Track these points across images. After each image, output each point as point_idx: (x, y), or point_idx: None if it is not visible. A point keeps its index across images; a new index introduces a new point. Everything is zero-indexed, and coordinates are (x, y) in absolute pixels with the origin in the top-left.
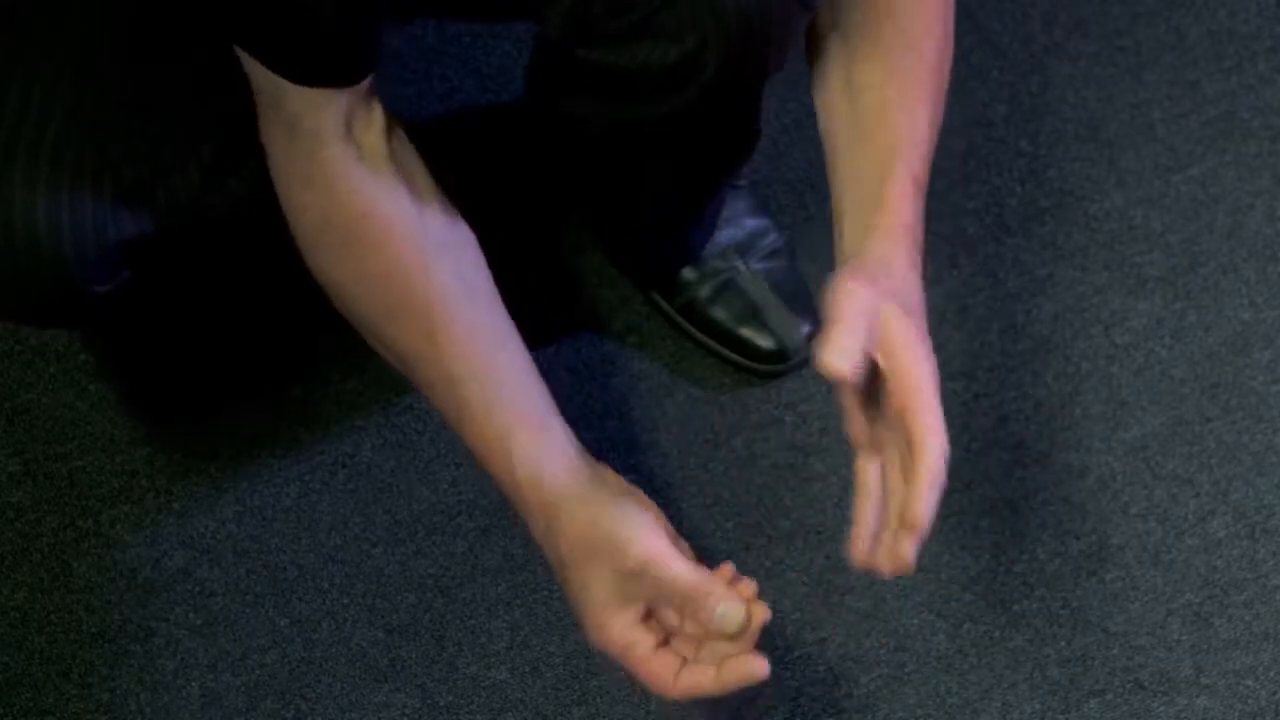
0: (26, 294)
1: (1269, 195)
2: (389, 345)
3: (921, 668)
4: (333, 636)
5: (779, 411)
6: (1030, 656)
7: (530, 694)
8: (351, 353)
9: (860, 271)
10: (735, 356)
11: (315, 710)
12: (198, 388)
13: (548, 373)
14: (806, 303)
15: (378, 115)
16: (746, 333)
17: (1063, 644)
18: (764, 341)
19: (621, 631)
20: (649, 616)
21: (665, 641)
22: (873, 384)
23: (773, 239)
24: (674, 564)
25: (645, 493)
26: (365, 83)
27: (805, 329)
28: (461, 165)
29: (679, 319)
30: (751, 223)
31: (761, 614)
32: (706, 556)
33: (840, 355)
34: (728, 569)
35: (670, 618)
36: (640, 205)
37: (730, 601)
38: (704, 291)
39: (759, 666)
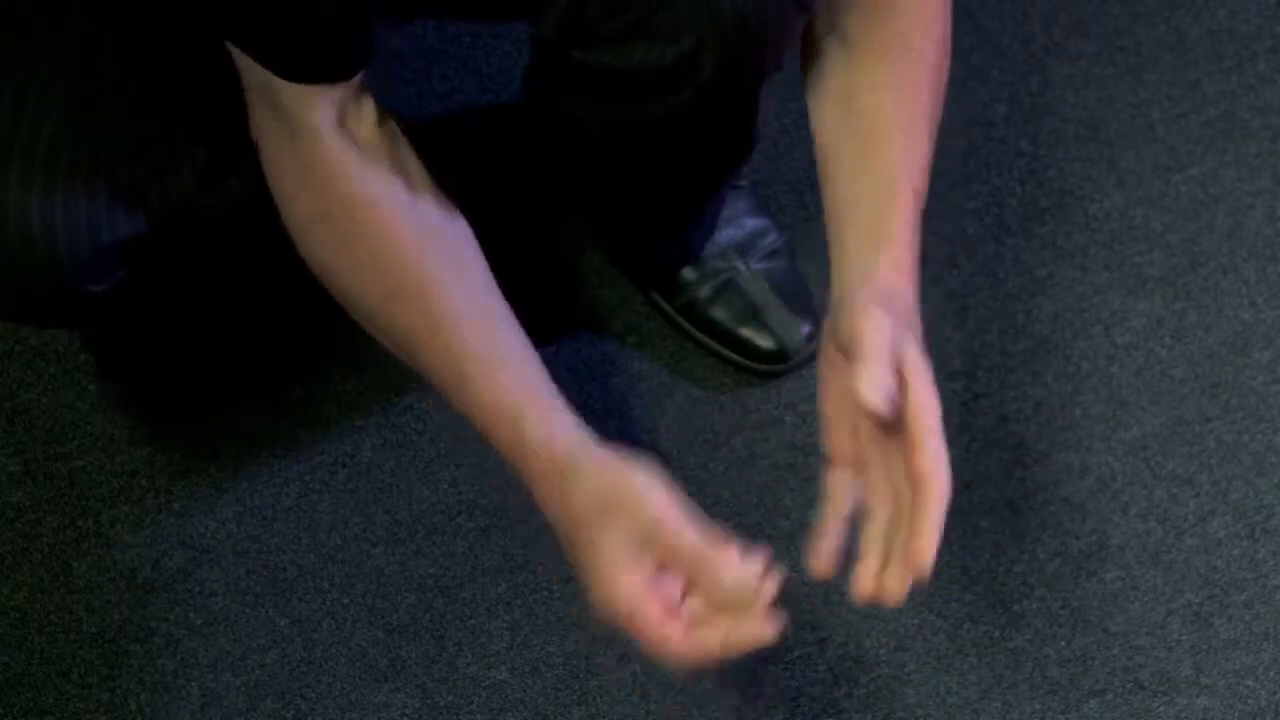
0: (21, 293)
1: (1269, 195)
2: (387, 328)
3: (921, 668)
4: (333, 636)
5: (779, 411)
6: (1030, 656)
7: (530, 694)
8: (351, 353)
9: (876, 299)
10: (735, 356)
11: (315, 710)
12: (198, 388)
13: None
14: (806, 303)
15: (369, 107)
16: (746, 333)
17: (1063, 644)
18: (764, 341)
19: (629, 592)
20: (656, 583)
21: (671, 610)
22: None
23: (773, 239)
24: (686, 525)
25: None
26: (357, 76)
27: (805, 329)
28: (461, 165)
29: (679, 319)
30: (751, 223)
31: (772, 584)
32: None
33: (879, 389)
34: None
35: (676, 587)
36: (640, 205)
37: (741, 567)
38: (704, 291)
39: (769, 629)
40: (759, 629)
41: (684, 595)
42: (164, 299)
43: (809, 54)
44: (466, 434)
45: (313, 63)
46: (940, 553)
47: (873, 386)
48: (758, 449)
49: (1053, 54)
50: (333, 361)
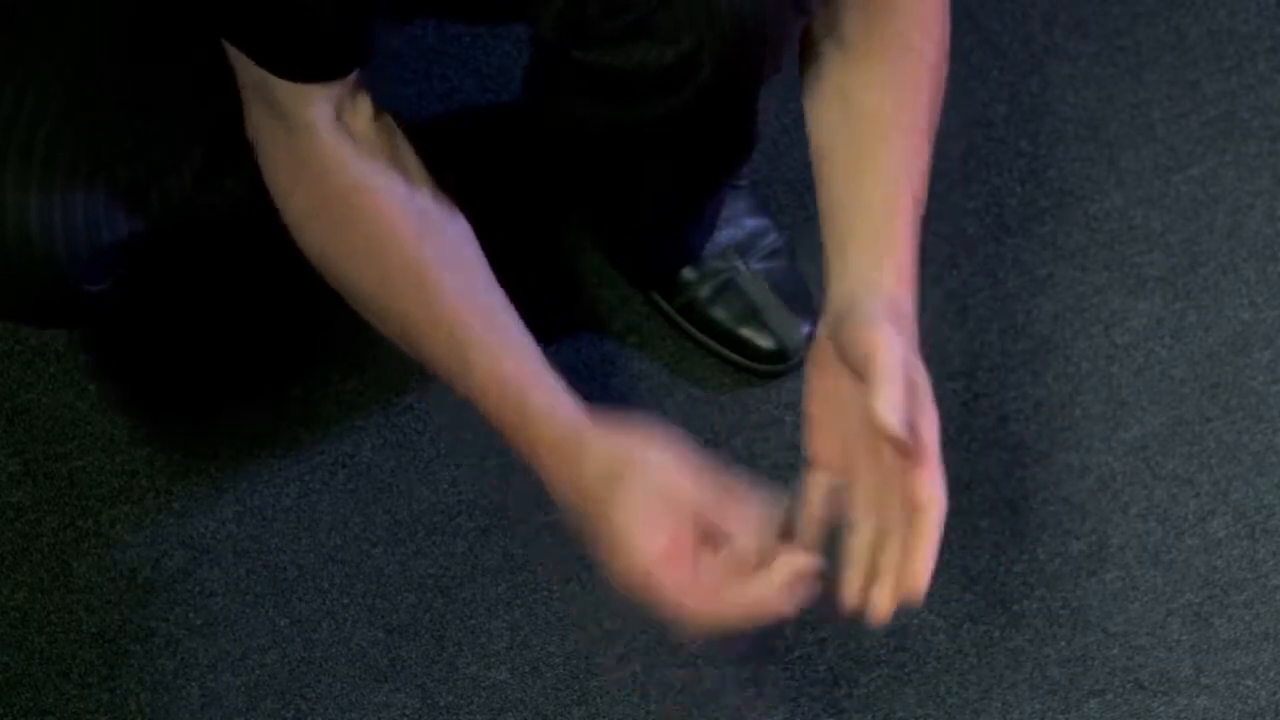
0: (20, 293)
1: (1269, 195)
2: (385, 314)
3: (921, 668)
4: (333, 636)
5: (779, 411)
6: (1030, 656)
7: (530, 694)
8: (351, 353)
9: (886, 315)
10: (735, 356)
11: (315, 710)
12: (198, 388)
13: None
14: (806, 303)
15: (365, 102)
16: (746, 333)
17: (1063, 644)
18: (764, 341)
19: (645, 555)
20: (673, 545)
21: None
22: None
23: (773, 239)
24: (699, 481)
25: None
26: (354, 74)
27: (805, 329)
28: (461, 165)
29: (679, 319)
30: (751, 223)
31: (794, 564)
32: None
33: (896, 411)
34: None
35: (693, 551)
36: (640, 205)
37: (762, 534)
38: (704, 291)
39: (788, 598)
40: (778, 596)
41: (702, 561)
42: (164, 299)
43: (806, 57)
44: (466, 434)
45: (311, 62)
46: (940, 553)
47: (891, 409)
48: (758, 449)
49: (1053, 54)
50: (333, 361)
